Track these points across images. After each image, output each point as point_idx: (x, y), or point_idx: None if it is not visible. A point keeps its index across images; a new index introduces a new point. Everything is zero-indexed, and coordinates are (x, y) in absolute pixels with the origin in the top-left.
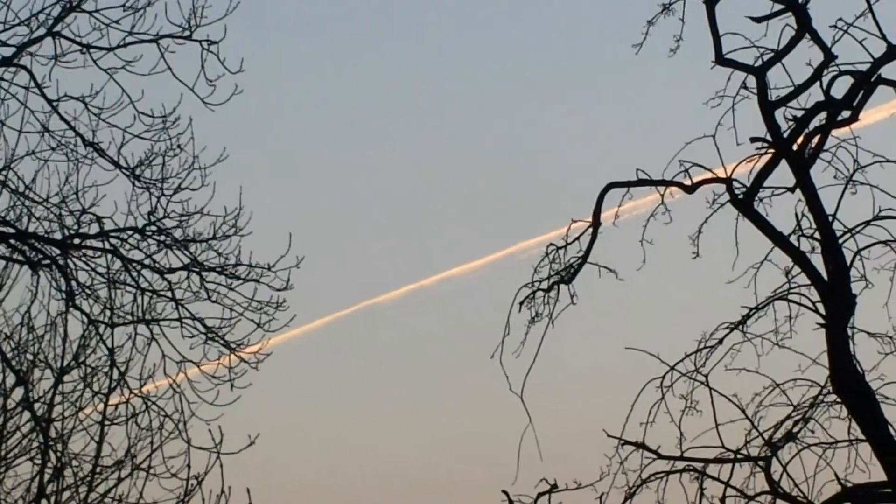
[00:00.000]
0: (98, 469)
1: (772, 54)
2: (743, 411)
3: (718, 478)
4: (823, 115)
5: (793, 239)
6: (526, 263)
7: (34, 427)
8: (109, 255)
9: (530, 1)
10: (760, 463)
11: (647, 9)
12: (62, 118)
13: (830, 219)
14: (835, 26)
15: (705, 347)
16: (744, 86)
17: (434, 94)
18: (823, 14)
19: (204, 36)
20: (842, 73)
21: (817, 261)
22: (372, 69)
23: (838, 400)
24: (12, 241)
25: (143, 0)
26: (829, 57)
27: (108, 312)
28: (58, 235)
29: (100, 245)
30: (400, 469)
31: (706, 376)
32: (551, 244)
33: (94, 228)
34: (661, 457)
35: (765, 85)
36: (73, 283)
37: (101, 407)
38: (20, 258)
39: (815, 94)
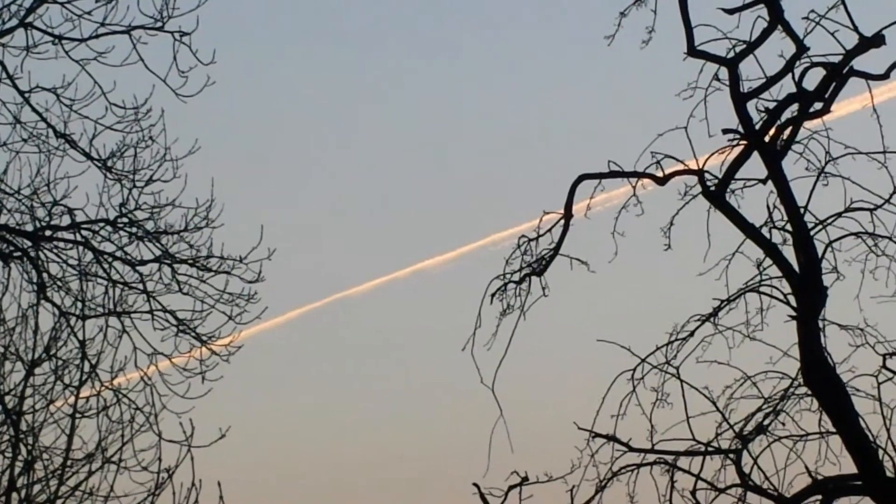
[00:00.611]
0: (69, 462)
1: (744, 46)
2: (714, 404)
3: (689, 470)
4: (795, 106)
5: (764, 231)
6: (498, 255)
7: (5, 420)
8: (81, 247)
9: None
10: (731, 455)
11: (619, 0)
12: (34, 109)
13: (802, 211)
14: (807, 18)
15: (676, 340)
16: (716, 77)
17: (406, 86)
18: (796, 6)
19: (176, 27)
20: (814, 64)
21: (789, 253)
22: (344, 61)
23: (809, 392)
24: None
25: None
26: (801, 49)
27: (79, 304)
28: (29, 227)
29: (71, 237)
30: (371, 462)
31: (677, 369)
32: (523, 236)
33: (66, 220)
34: (631, 449)
35: (737, 76)
36: (45, 275)
37: (71, 399)
38: None
39: (787, 86)
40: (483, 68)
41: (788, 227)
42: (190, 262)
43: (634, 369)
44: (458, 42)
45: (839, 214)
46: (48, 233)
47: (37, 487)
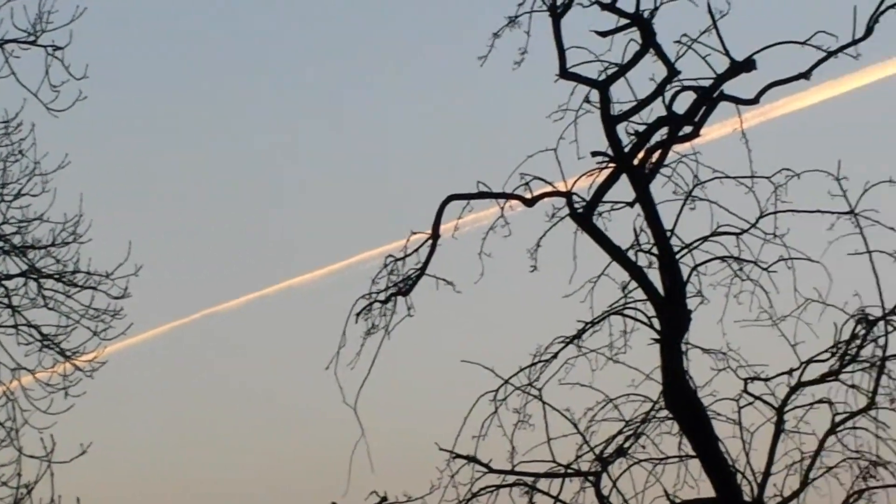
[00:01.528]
0: None
1: (616, 69)
2: (575, 426)
3: (548, 492)
4: (665, 130)
5: (631, 254)
6: (367, 274)
7: None
8: None
9: (375, 11)
10: (590, 478)
11: (493, 21)
12: None
13: (669, 234)
14: (679, 42)
15: (540, 361)
16: (587, 100)
17: (276, 102)
18: (668, 29)
19: (49, 41)
20: (685, 88)
21: (655, 276)
22: (217, 75)
23: (670, 415)
24: None
25: None
26: (673, 72)
27: None
28: None
29: None
30: (233, 479)
31: (540, 390)
32: (390, 255)
33: None
34: (491, 470)
35: (608, 99)
36: None
37: None
38: None
39: (657, 109)
40: (355, 85)
41: (655, 250)
42: (56, 276)
43: (497, 390)
44: (328, 59)
45: (705, 238)
46: None
47: None
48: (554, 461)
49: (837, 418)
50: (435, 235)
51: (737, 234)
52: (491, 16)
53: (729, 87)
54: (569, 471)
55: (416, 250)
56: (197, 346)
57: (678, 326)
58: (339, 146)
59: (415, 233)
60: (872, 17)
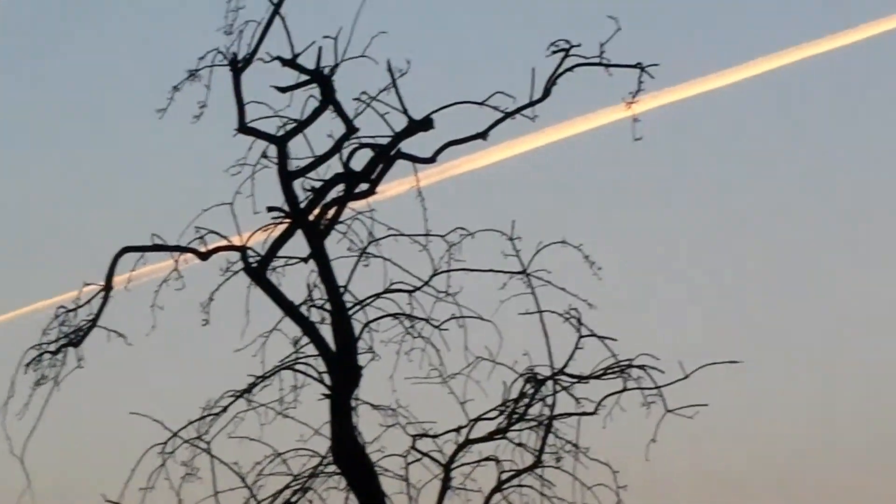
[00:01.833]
0: None
1: (294, 124)
2: (243, 480)
3: None
4: (342, 186)
5: (304, 309)
6: (38, 325)
7: None
8: None
9: (56, 60)
10: None
11: (174, 74)
12: None
13: (342, 290)
14: (359, 99)
15: (209, 415)
16: (264, 155)
17: None
18: (349, 87)
19: None
20: (363, 145)
21: (328, 332)
22: None
23: (338, 470)
24: None
25: None
26: (351, 129)
27: None
28: None
29: None
30: None
31: (209, 444)
32: (61, 306)
33: None
34: None
35: (285, 154)
36: None
37: None
38: None
39: (335, 166)
40: (25, 135)
41: (328, 306)
42: None
43: (166, 443)
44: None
45: (378, 295)
46: None
47: None
48: None
49: (504, 476)
50: (108, 287)
51: (409, 292)
52: (171, 68)
53: (407, 146)
54: None
55: (89, 302)
56: None
57: (348, 382)
58: (13, 194)
59: (88, 284)
60: (550, 79)
